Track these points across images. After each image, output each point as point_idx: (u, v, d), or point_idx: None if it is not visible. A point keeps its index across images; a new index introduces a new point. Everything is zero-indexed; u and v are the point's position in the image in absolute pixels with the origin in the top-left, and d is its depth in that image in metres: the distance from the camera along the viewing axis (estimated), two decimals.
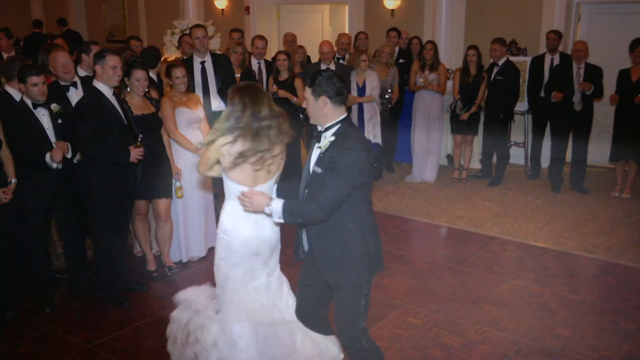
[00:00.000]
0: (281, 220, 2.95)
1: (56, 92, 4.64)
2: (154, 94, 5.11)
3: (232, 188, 3.17)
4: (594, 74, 6.95)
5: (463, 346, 4.04)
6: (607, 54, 7.64)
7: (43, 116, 4.32)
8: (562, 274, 5.16)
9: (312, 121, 3.10)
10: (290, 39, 8.10)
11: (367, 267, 3.04)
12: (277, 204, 2.93)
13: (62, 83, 4.78)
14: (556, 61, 7.45)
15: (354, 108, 7.06)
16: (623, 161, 7.08)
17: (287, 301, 3.43)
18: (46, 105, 4.35)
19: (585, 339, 4.11)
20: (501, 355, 3.93)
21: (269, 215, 2.99)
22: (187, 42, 6.90)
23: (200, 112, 5.25)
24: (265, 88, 6.92)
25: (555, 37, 7.40)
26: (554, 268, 5.27)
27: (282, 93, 6.74)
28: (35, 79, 4.18)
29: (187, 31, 7.48)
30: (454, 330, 4.21)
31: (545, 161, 7.84)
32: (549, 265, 5.32)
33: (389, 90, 7.46)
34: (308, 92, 2.99)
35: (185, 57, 6.51)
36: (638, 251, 5.58)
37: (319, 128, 3.04)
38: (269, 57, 7.38)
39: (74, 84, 4.83)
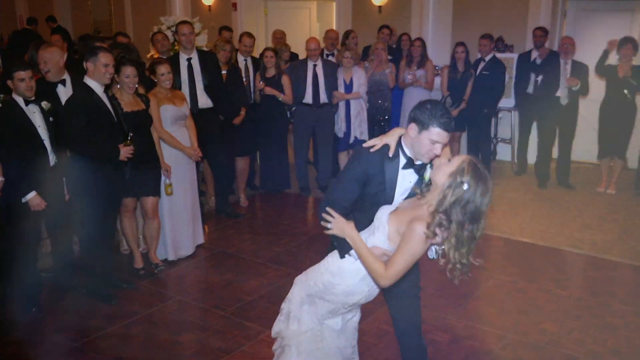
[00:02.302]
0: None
1: (45, 90, 4.59)
2: (141, 90, 5.07)
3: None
4: (580, 71, 7.01)
5: (450, 342, 4.06)
6: (592, 50, 7.68)
7: (34, 114, 4.27)
8: (548, 269, 5.20)
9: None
10: (279, 36, 8.08)
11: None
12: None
13: (53, 80, 4.72)
14: (543, 57, 7.50)
15: (341, 104, 7.05)
16: (608, 157, 7.14)
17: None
18: (37, 102, 4.30)
19: (572, 333, 4.15)
20: (488, 350, 3.95)
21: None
22: (157, 40, 6.86)
23: (185, 108, 5.24)
24: (252, 85, 6.90)
25: (541, 33, 7.46)
26: (541, 263, 5.31)
27: (269, 90, 6.72)
28: (22, 73, 4.14)
29: (173, 29, 7.42)
30: (441, 326, 4.23)
31: (531, 157, 7.89)
32: (535, 261, 5.35)
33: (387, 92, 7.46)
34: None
35: (160, 56, 6.47)
36: (624, 246, 5.63)
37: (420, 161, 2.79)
38: (255, 53, 7.35)
39: (63, 82, 4.78)
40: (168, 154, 5.07)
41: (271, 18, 10.70)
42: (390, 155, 2.76)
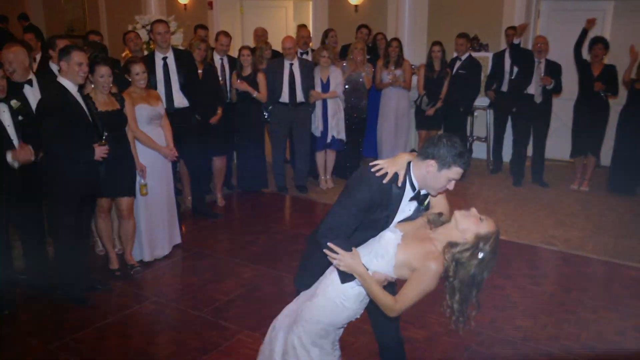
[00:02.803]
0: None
1: (11, 90, 4.51)
2: (114, 90, 5.01)
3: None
4: (553, 70, 7.10)
5: (427, 339, 4.08)
6: (565, 50, 7.78)
7: (3, 113, 4.20)
8: (523, 265, 5.26)
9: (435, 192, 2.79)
10: (260, 34, 8.04)
11: None
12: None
13: (18, 81, 4.64)
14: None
15: (319, 104, 7.05)
16: (582, 156, 7.25)
17: None
18: (6, 101, 4.23)
19: (546, 329, 4.20)
20: (464, 347, 3.98)
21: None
22: (130, 39, 6.78)
23: (160, 108, 5.20)
24: (228, 83, 6.87)
25: (513, 33, 7.54)
26: (516, 260, 5.36)
27: (244, 86, 6.69)
28: None
29: (148, 27, 7.36)
30: (418, 324, 4.24)
31: (507, 155, 7.98)
32: (510, 258, 5.40)
33: (364, 91, 7.48)
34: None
35: (131, 55, 6.42)
36: (596, 242, 5.72)
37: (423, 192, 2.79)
38: (232, 52, 7.32)
39: (29, 82, 4.70)
40: (143, 154, 5.02)
41: (247, 17, 10.67)
42: (399, 184, 2.73)
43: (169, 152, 5.20)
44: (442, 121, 7.79)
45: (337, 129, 7.13)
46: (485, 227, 2.57)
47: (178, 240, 5.59)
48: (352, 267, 2.66)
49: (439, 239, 2.62)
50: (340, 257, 2.65)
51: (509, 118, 7.80)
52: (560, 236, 5.88)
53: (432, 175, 2.66)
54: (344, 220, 2.71)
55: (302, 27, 8.12)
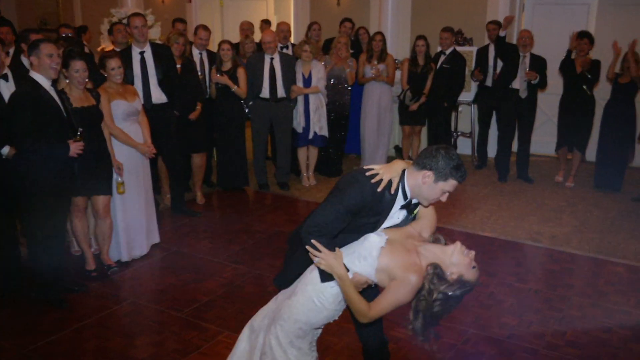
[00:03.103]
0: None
1: None
2: (89, 85, 4.89)
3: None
4: (538, 64, 7.07)
5: (412, 337, 3.99)
6: (550, 44, 7.77)
7: None
8: (508, 262, 5.22)
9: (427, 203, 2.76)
10: (246, 27, 7.92)
11: None
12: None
13: None
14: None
15: (300, 99, 6.96)
16: (565, 148, 7.24)
17: None
18: None
19: (531, 326, 4.16)
20: (449, 345, 3.92)
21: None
22: (119, 30, 6.61)
23: (137, 104, 5.09)
24: (207, 78, 6.75)
25: (495, 27, 7.52)
26: (501, 257, 5.33)
27: (223, 80, 6.56)
28: None
29: (125, 20, 7.20)
30: (402, 322, 4.15)
31: (491, 151, 7.95)
32: (495, 255, 5.37)
33: (347, 86, 7.41)
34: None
35: (116, 48, 6.28)
36: (582, 239, 5.70)
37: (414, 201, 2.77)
38: (211, 47, 7.18)
39: (5, 77, 4.57)
40: (120, 151, 4.90)
41: (227, 11, 10.54)
42: (392, 192, 2.69)
43: (146, 148, 5.09)
44: (426, 116, 7.74)
45: (320, 125, 7.04)
46: (472, 275, 2.58)
47: (157, 239, 5.48)
48: (333, 268, 2.61)
49: (425, 255, 2.62)
50: (322, 256, 2.61)
51: (494, 113, 7.77)
52: (545, 232, 5.85)
53: (428, 186, 2.64)
54: (331, 220, 2.65)
55: (282, 22, 7.99)
